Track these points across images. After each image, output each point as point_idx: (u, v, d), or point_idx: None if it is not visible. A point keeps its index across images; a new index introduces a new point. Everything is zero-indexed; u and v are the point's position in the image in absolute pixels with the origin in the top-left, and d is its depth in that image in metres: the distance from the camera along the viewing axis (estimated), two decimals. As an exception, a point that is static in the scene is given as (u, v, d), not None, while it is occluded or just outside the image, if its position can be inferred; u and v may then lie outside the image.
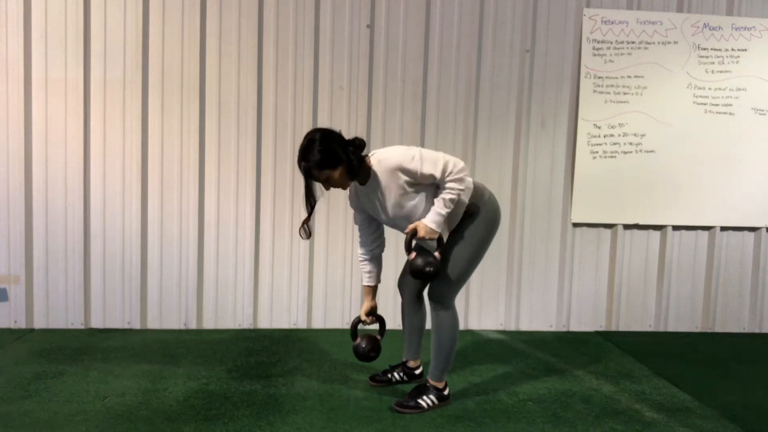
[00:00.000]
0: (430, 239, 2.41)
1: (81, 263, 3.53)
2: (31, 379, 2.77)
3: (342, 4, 3.58)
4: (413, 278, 2.53)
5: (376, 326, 2.79)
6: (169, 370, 2.93)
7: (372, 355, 2.65)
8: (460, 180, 2.37)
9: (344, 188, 2.47)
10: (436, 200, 2.40)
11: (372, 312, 2.70)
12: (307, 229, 2.50)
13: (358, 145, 2.41)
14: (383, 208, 2.48)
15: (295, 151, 3.59)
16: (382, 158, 2.40)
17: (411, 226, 2.43)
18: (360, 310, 2.77)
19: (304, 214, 3.61)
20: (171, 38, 3.49)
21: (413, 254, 2.43)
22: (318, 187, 2.45)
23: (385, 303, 3.71)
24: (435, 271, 2.41)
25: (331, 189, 2.49)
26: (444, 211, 2.38)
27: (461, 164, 2.39)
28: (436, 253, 2.44)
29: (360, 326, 2.72)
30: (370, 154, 2.47)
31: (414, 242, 2.48)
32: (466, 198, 2.49)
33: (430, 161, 2.36)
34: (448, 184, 2.37)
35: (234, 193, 3.60)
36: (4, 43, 3.39)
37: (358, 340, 2.66)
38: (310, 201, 2.45)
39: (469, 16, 3.67)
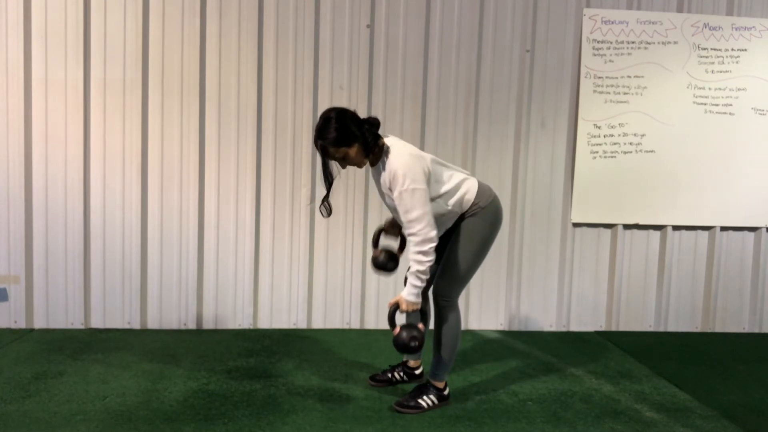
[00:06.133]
0: (413, 311, 2.42)
1: (81, 263, 3.53)
2: (31, 379, 2.77)
3: (342, 4, 3.58)
4: (398, 352, 2.53)
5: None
6: (169, 370, 2.93)
7: (390, 266, 2.61)
8: (424, 253, 2.33)
9: (360, 166, 2.50)
10: (408, 274, 2.38)
11: (396, 225, 2.70)
12: (327, 206, 2.53)
13: (373, 123, 2.43)
14: (381, 193, 2.53)
15: (295, 152, 3.61)
16: (393, 154, 2.39)
17: (393, 301, 2.44)
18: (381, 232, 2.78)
19: (304, 215, 3.64)
20: (171, 38, 3.49)
21: (397, 329, 2.41)
22: (334, 165, 2.49)
23: (386, 303, 3.71)
24: (420, 345, 2.42)
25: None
26: (418, 283, 2.36)
27: (425, 239, 2.32)
28: (420, 325, 2.44)
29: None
30: (389, 139, 2.48)
31: (396, 315, 2.46)
32: (458, 209, 2.50)
33: (407, 206, 2.32)
34: (414, 255, 2.34)
35: (234, 193, 3.60)
36: (4, 43, 3.39)
37: (377, 251, 2.65)
38: (328, 178, 2.49)
39: (469, 16, 3.67)
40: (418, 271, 2.34)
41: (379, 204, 3.62)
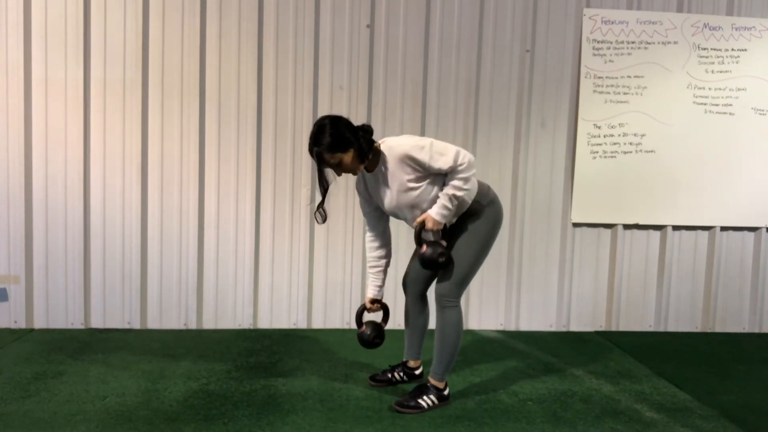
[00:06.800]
0: (437, 230, 2.48)
1: (81, 263, 3.53)
2: (31, 379, 2.77)
3: (342, 4, 3.58)
4: (424, 269, 2.56)
5: (379, 314, 2.83)
6: (169, 370, 2.93)
7: (377, 342, 2.69)
8: (466, 179, 2.42)
9: (355, 173, 2.52)
10: (441, 194, 2.44)
11: (377, 300, 2.73)
12: (323, 212, 2.55)
13: (367, 129, 2.48)
14: (387, 195, 2.51)
15: (295, 152, 3.61)
16: (392, 145, 2.45)
17: (420, 218, 2.48)
18: (364, 299, 2.82)
19: (304, 215, 3.65)
20: (171, 38, 3.49)
21: (424, 246, 2.47)
22: (330, 173, 2.51)
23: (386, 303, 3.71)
24: (447, 260, 2.47)
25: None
26: (450, 204, 2.44)
27: (472, 161, 2.43)
28: (443, 242, 2.49)
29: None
30: (380, 141, 2.52)
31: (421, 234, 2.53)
32: (469, 199, 2.52)
33: (440, 152, 2.41)
34: (454, 181, 2.42)
35: (234, 193, 3.60)
36: (4, 43, 3.39)
37: (363, 327, 2.70)
38: (323, 185, 2.50)
39: (469, 16, 3.67)
40: (453, 195, 2.42)
41: (379, 204, 3.62)
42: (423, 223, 2.48)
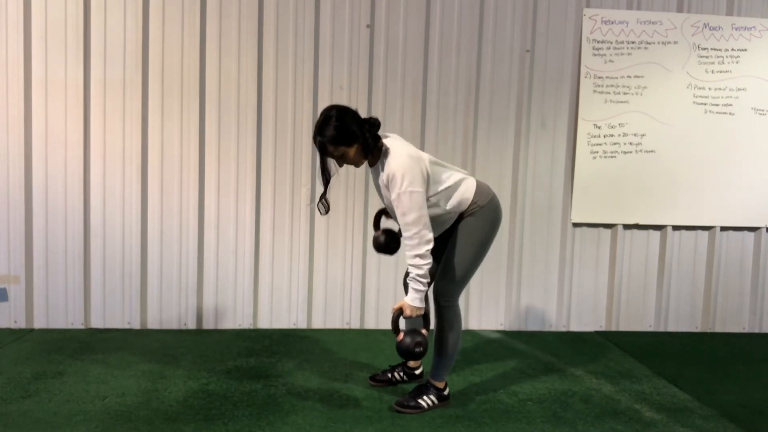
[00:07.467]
0: (417, 316, 2.40)
1: (81, 263, 3.53)
2: (30, 379, 2.77)
3: (342, 4, 3.58)
4: (402, 358, 2.53)
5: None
6: (169, 370, 2.93)
7: (392, 247, 2.62)
8: (422, 256, 2.31)
9: (357, 166, 2.49)
10: (409, 279, 2.37)
11: None
12: (325, 203, 2.53)
13: (374, 123, 2.42)
14: (382, 193, 2.52)
15: (295, 152, 3.61)
16: (391, 155, 2.39)
17: (396, 306, 2.42)
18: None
19: (304, 214, 3.64)
20: (171, 38, 3.49)
21: (401, 335, 2.40)
22: (332, 163, 2.48)
23: (386, 303, 3.71)
24: (424, 350, 2.40)
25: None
26: (421, 287, 2.35)
27: (422, 240, 2.31)
28: (424, 331, 2.42)
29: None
30: (389, 137, 2.48)
31: (401, 320, 2.45)
32: (457, 209, 2.50)
33: (404, 205, 2.31)
34: (411, 259, 2.33)
35: (234, 193, 3.60)
36: (4, 43, 3.39)
37: (379, 232, 2.65)
38: (325, 176, 2.47)
39: (469, 16, 3.67)
40: (417, 275, 2.33)
41: (379, 204, 3.62)
42: (401, 310, 2.39)
